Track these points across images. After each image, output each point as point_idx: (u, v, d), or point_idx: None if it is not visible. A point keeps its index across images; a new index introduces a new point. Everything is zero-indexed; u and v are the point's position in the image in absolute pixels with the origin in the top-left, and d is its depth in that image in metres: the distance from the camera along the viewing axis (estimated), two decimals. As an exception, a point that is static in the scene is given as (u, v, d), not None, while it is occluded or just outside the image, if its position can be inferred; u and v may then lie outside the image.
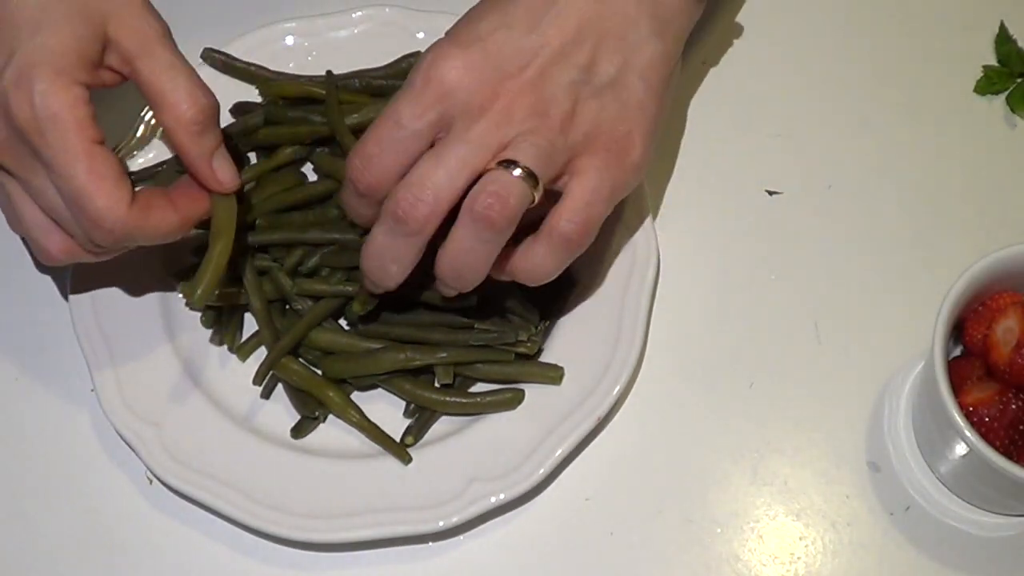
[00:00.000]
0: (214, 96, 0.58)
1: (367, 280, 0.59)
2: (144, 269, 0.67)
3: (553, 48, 0.57)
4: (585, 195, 0.57)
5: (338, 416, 0.64)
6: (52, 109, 0.54)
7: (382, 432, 0.63)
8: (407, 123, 0.55)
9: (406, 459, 0.62)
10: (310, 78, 0.71)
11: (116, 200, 0.55)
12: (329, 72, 0.70)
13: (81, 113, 0.55)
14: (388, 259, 0.57)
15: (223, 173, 0.59)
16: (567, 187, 0.57)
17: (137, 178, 0.69)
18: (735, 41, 0.74)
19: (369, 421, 0.63)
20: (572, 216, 0.56)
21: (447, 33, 0.58)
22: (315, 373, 0.64)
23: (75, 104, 0.55)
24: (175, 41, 0.59)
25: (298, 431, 0.64)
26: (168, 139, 0.58)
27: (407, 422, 0.64)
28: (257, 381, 0.64)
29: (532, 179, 0.55)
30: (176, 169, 0.66)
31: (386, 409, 0.64)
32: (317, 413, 0.64)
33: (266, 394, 0.65)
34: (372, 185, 0.57)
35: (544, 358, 0.64)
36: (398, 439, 0.63)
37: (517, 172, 0.55)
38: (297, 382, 0.64)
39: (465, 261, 0.56)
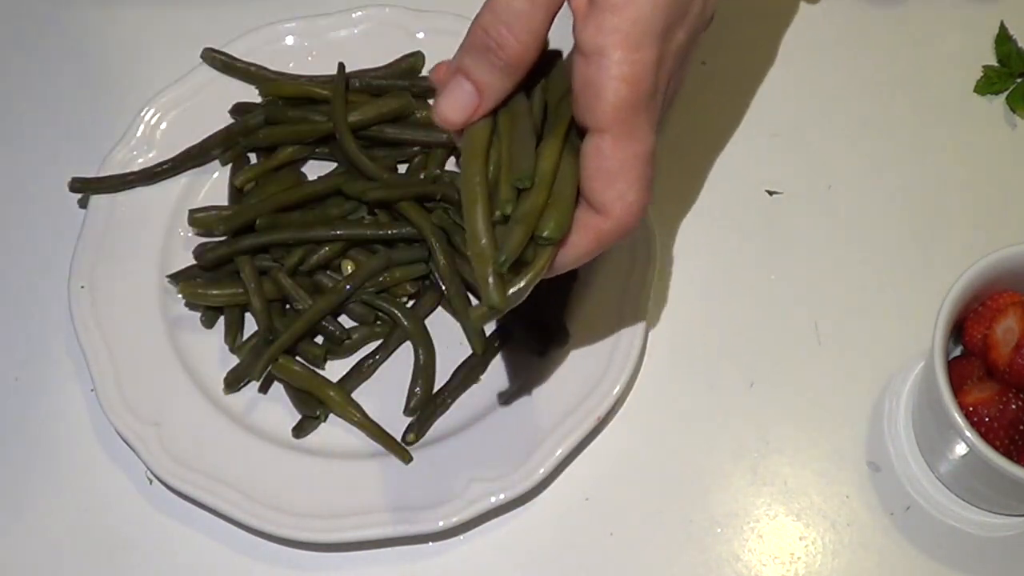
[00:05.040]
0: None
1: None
2: (144, 269, 0.67)
3: None
4: None
5: (339, 415, 0.64)
6: None
7: (383, 431, 0.63)
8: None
9: (407, 458, 0.62)
10: (310, 78, 0.71)
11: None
12: (341, 65, 0.70)
13: None
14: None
15: None
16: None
17: (137, 178, 0.69)
18: (735, 41, 0.74)
19: (370, 420, 0.63)
20: None
21: None
22: (315, 372, 0.64)
23: None
24: None
25: (299, 430, 0.64)
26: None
27: (408, 421, 0.64)
28: (256, 376, 0.64)
29: None
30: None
31: (387, 408, 0.64)
32: (318, 412, 0.64)
33: (264, 388, 0.65)
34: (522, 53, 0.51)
35: (544, 358, 0.64)
36: (399, 438, 0.63)
37: None
38: (297, 382, 0.64)
39: None
